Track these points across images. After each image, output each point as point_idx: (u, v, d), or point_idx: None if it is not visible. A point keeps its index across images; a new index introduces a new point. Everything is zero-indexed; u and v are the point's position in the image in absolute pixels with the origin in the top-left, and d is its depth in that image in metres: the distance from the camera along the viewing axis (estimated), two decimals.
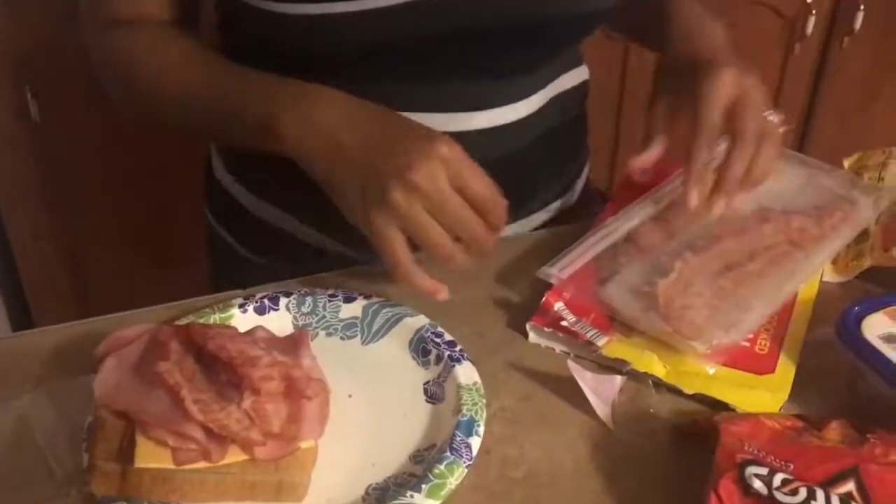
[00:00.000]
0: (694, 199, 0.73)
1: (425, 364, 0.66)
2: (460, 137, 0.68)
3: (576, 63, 0.90)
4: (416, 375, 0.65)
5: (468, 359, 0.65)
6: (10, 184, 1.47)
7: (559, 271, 0.72)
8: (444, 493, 0.54)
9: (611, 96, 1.69)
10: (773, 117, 0.74)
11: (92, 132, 1.45)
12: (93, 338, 0.67)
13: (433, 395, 0.64)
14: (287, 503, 0.55)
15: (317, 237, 0.85)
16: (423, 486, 0.55)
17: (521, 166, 0.83)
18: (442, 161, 0.61)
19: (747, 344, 0.67)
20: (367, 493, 0.56)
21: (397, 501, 0.54)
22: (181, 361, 0.55)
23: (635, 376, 0.65)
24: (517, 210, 0.82)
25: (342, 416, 0.60)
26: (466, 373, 0.63)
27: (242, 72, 0.71)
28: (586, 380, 0.63)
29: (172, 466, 0.52)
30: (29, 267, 1.55)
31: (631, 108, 1.70)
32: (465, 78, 0.76)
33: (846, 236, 0.75)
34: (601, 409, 0.62)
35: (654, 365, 0.65)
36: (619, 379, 0.63)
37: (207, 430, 0.52)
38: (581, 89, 0.91)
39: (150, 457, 0.52)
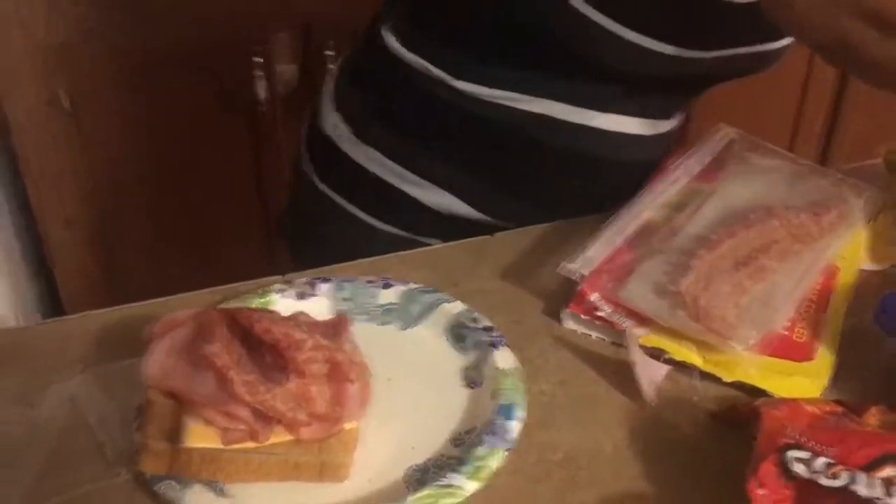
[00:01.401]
0: None
1: (463, 349, 0.67)
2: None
3: None
4: (453, 360, 0.66)
5: (506, 344, 0.65)
6: (42, 174, 1.49)
7: (579, 266, 0.72)
8: (484, 475, 0.55)
9: None
10: None
11: (124, 123, 1.47)
12: (137, 322, 0.68)
13: (471, 379, 0.64)
14: (330, 482, 0.56)
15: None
16: (464, 468, 0.55)
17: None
18: None
19: (785, 332, 0.68)
20: (407, 474, 0.57)
21: (439, 483, 0.55)
22: (228, 344, 0.56)
23: (678, 365, 0.65)
24: None
25: (382, 400, 0.61)
26: (505, 357, 0.64)
27: None
28: (639, 359, 0.63)
29: (220, 446, 0.53)
30: (61, 257, 1.57)
31: None
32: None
33: (843, 234, 0.76)
34: (646, 390, 0.63)
35: (691, 354, 0.66)
36: (666, 367, 0.64)
37: (255, 411, 0.53)
38: None
39: (200, 437, 0.53)
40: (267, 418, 0.53)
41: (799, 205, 0.76)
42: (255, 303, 0.68)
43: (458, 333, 0.67)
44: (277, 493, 0.56)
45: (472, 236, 0.81)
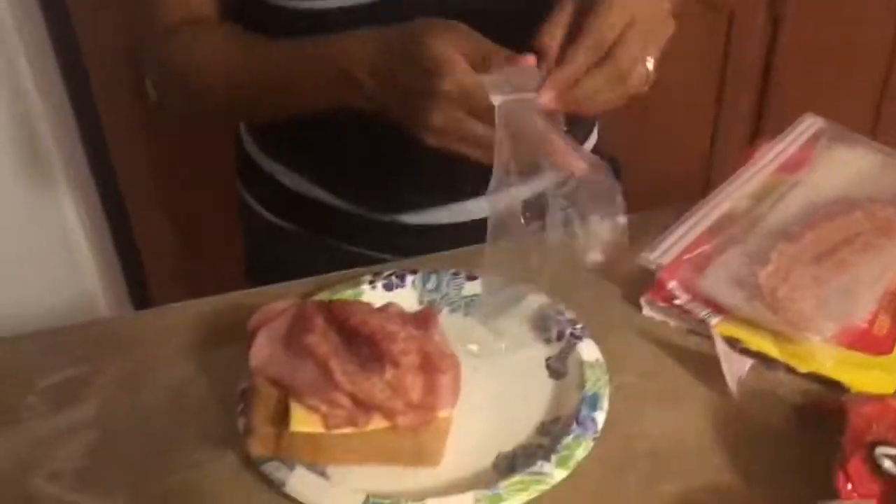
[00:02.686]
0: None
1: (547, 340, 0.68)
2: None
3: None
4: (537, 351, 0.68)
5: (590, 336, 0.67)
6: (129, 162, 1.55)
7: (659, 256, 0.73)
8: (572, 463, 0.57)
9: None
10: (649, 66, 0.64)
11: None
12: (235, 310, 0.72)
13: (555, 370, 0.66)
14: (424, 467, 0.58)
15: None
16: (553, 456, 0.57)
17: None
18: (450, 101, 0.60)
19: (865, 325, 0.67)
20: (497, 460, 0.60)
21: (529, 469, 0.57)
22: (326, 334, 0.58)
23: (765, 362, 0.66)
24: None
25: (469, 389, 0.63)
26: (589, 349, 0.66)
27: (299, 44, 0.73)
28: (724, 350, 0.64)
29: (323, 431, 0.56)
30: (147, 245, 1.63)
31: None
32: None
33: None
34: (732, 382, 0.63)
35: (767, 344, 0.66)
36: (749, 360, 0.65)
37: (354, 399, 0.56)
38: None
39: (304, 422, 0.56)
40: (365, 406, 0.56)
41: (885, 198, 0.76)
42: (347, 294, 0.71)
43: (543, 325, 0.69)
44: (375, 477, 0.58)
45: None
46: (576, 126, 0.87)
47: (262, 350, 0.59)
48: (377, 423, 0.57)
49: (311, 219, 0.90)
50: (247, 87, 0.75)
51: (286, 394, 0.57)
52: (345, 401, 0.55)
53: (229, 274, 1.63)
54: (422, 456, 0.58)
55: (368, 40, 0.66)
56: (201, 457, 0.61)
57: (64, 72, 1.45)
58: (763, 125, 1.71)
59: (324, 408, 0.55)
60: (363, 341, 0.58)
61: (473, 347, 0.67)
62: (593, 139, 0.95)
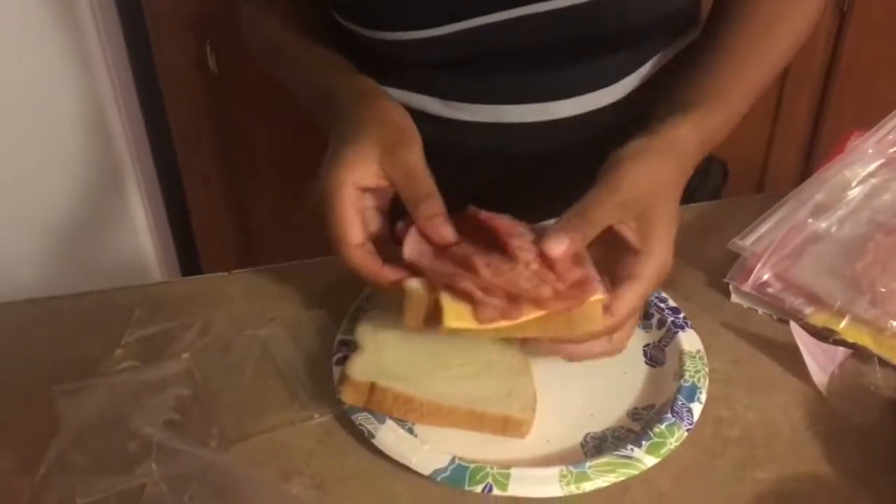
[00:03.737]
0: None
1: (646, 327, 0.67)
2: (555, 125, 0.73)
3: (686, 27, 0.81)
4: (636, 336, 0.66)
5: (691, 326, 0.66)
6: (187, 131, 1.55)
7: (751, 244, 0.72)
8: (663, 451, 0.56)
9: None
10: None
11: (265, 86, 1.51)
12: (314, 275, 0.72)
13: (653, 357, 0.65)
14: (511, 437, 0.58)
15: None
16: (644, 442, 0.57)
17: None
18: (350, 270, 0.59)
19: None
20: (585, 440, 0.59)
21: (618, 452, 0.56)
22: (462, 237, 0.58)
23: (859, 355, 0.65)
24: None
25: (563, 368, 0.63)
26: (690, 339, 0.65)
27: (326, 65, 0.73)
28: (807, 343, 0.63)
29: (475, 326, 0.53)
30: (199, 213, 1.64)
31: None
32: (548, 66, 0.74)
33: None
34: (818, 376, 0.62)
35: (862, 335, 0.65)
36: (840, 350, 0.64)
37: (503, 293, 0.54)
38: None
39: (457, 317, 0.53)
40: (515, 298, 0.53)
41: None
42: None
43: (644, 311, 0.68)
44: (461, 441, 0.58)
45: None
46: None
47: (415, 245, 0.58)
48: (529, 312, 0.53)
49: None
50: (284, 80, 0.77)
51: (437, 291, 0.54)
52: (497, 290, 0.54)
53: (276, 244, 1.64)
54: (510, 426, 0.58)
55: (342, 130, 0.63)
56: (289, 417, 0.61)
57: (127, 38, 1.46)
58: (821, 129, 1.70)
59: (478, 294, 0.53)
60: (497, 242, 0.57)
61: None
62: None
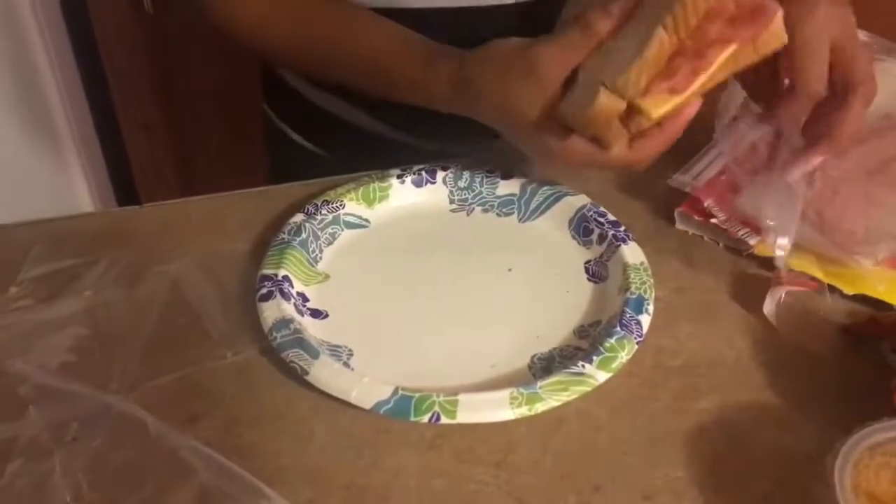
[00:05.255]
0: None
1: (587, 243, 0.64)
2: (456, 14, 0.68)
3: None
4: (576, 254, 0.64)
5: (633, 238, 0.63)
6: (122, 75, 1.49)
7: (693, 179, 0.69)
8: (615, 365, 0.53)
9: None
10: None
11: (204, 25, 1.44)
12: (233, 210, 0.67)
13: (595, 273, 0.62)
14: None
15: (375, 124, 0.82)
16: (595, 357, 0.53)
17: None
18: (561, 157, 0.57)
19: None
20: (532, 362, 0.56)
21: (567, 370, 0.52)
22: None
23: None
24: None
25: (504, 289, 0.60)
26: (632, 252, 0.62)
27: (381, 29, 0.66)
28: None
29: (679, 99, 0.52)
30: (139, 161, 1.58)
31: None
32: None
33: None
34: (767, 305, 0.59)
35: (810, 265, 0.62)
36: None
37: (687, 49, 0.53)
38: None
39: (657, 104, 0.52)
40: (700, 51, 0.53)
41: None
42: (374, 186, 0.67)
43: (584, 227, 0.65)
44: (400, 372, 0.54)
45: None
46: None
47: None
48: (718, 56, 0.53)
49: (350, 144, 0.82)
50: (314, 51, 0.68)
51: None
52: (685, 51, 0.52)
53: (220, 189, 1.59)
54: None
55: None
56: (199, 356, 0.56)
57: None
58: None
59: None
60: None
61: (506, 248, 0.63)
62: None
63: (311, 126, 0.85)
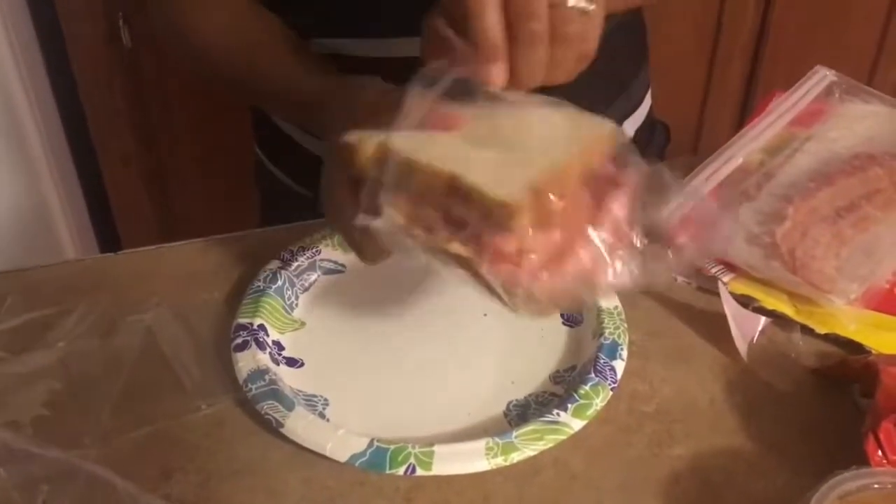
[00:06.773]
0: None
1: None
2: None
3: None
4: None
5: None
6: (100, 109, 1.48)
7: (667, 214, 0.69)
8: (589, 413, 0.53)
9: None
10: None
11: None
12: (210, 256, 0.67)
13: (570, 318, 0.62)
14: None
15: None
16: (569, 405, 0.54)
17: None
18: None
19: (888, 286, 0.64)
20: (508, 409, 0.56)
21: (543, 419, 0.53)
22: None
23: (780, 322, 0.62)
24: None
25: (479, 334, 0.60)
26: (606, 297, 0.62)
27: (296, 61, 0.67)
28: (732, 308, 0.60)
29: None
30: (117, 193, 1.57)
31: None
32: None
33: None
34: (740, 343, 0.60)
35: (782, 303, 0.63)
36: (762, 319, 0.61)
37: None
38: None
39: None
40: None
41: None
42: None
43: None
44: (377, 424, 0.54)
45: None
46: (630, 91, 0.84)
47: None
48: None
49: None
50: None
51: None
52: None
53: (199, 226, 1.58)
54: None
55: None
56: (174, 408, 0.55)
57: (33, 10, 1.38)
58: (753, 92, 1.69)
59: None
60: None
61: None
62: (646, 105, 0.89)
63: (301, 169, 0.85)
